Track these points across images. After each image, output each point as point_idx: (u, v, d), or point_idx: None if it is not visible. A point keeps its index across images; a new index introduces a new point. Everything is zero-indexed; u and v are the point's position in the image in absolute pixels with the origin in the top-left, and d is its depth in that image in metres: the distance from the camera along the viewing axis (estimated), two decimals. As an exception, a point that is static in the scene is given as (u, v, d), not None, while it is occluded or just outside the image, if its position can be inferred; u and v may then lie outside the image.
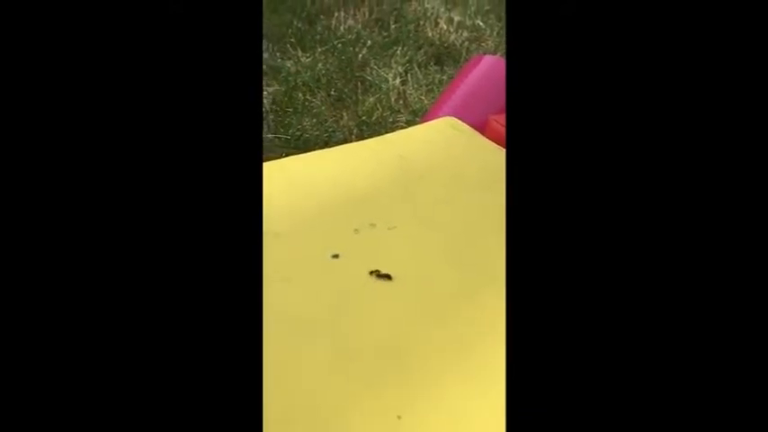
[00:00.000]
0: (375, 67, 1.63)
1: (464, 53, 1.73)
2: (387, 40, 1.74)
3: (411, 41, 1.74)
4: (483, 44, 1.79)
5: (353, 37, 1.73)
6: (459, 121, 0.86)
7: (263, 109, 1.48)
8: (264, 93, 1.52)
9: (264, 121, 1.44)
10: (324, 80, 1.56)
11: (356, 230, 0.64)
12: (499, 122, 0.86)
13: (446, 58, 1.72)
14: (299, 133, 1.40)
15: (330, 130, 1.43)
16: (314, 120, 1.45)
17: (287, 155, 1.05)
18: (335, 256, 0.60)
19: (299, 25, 1.75)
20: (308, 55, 1.65)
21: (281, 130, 1.40)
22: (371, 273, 0.57)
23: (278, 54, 1.63)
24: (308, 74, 1.57)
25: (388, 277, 0.57)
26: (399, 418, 0.45)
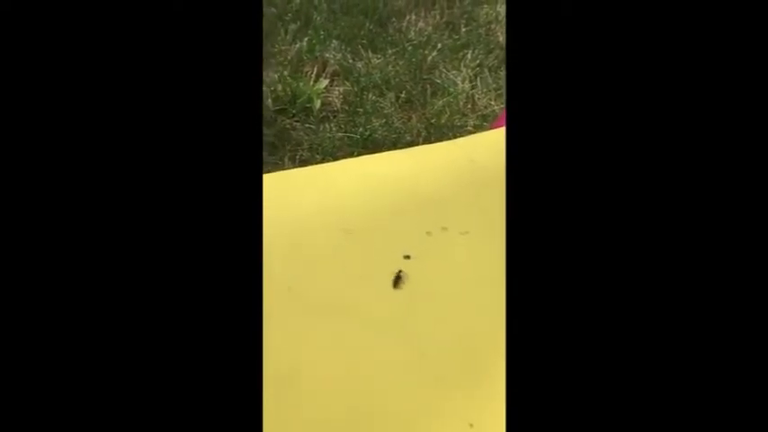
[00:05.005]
0: (444, 70, 1.62)
1: (536, 59, 1.70)
2: (457, 43, 1.73)
3: (481, 45, 1.72)
4: (556, 50, 1.76)
5: (424, 39, 1.73)
6: (534, 128, 0.84)
7: (334, 108, 1.50)
8: (336, 92, 1.53)
9: (335, 120, 1.45)
10: (393, 82, 1.57)
11: (428, 233, 0.63)
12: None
13: (517, 63, 1.70)
14: (367, 133, 1.41)
15: (398, 131, 1.43)
16: (383, 120, 1.45)
17: (357, 154, 1.06)
18: (407, 257, 0.59)
19: (371, 27, 1.76)
20: (378, 56, 1.65)
21: (351, 130, 1.42)
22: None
23: (349, 55, 1.65)
24: (379, 75, 1.58)
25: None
26: (471, 426, 0.44)
